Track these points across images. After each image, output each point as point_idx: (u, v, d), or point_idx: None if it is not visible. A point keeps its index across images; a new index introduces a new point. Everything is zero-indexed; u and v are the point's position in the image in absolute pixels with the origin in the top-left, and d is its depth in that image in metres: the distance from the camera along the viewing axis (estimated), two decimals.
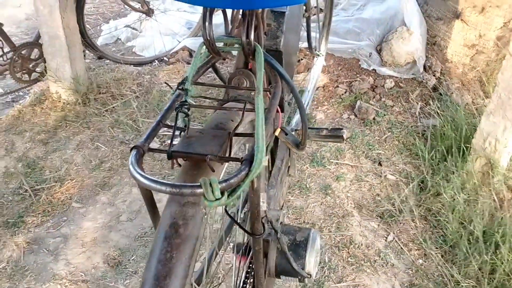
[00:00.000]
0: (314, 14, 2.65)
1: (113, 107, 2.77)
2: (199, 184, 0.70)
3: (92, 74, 3.03)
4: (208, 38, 0.93)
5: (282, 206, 1.72)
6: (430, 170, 2.26)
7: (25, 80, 2.80)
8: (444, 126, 2.41)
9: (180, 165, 0.86)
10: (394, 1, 3.19)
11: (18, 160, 2.44)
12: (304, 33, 2.08)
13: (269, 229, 1.13)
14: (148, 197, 0.86)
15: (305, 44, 2.18)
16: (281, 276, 1.17)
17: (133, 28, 3.76)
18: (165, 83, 2.91)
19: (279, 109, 1.16)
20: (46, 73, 2.82)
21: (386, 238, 2.02)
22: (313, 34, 2.22)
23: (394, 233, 2.03)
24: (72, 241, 2.02)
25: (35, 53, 2.81)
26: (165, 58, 3.38)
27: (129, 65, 3.26)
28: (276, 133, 1.17)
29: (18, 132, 2.64)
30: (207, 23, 0.92)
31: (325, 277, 1.84)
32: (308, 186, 2.23)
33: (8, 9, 4.34)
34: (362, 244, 1.98)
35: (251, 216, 0.88)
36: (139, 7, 3.34)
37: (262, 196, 1.13)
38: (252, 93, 1.12)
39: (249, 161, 0.76)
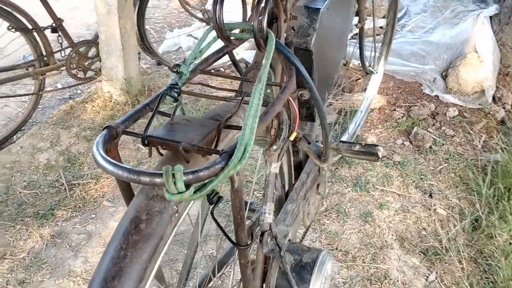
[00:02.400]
0: (378, 34, 2.51)
1: None
2: (161, 172, 0.60)
3: (147, 78, 3.03)
4: (218, 23, 0.84)
5: (309, 226, 1.58)
6: (486, 209, 2.03)
7: (80, 77, 2.84)
8: (509, 163, 2.17)
9: (161, 154, 0.76)
10: (467, 26, 2.97)
11: (60, 154, 2.45)
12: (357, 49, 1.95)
13: (273, 245, 1.00)
14: (124, 186, 0.77)
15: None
16: None
17: (195, 37, 3.76)
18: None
19: (296, 111, 1.04)
20: (101, 72, 2.84)
21: (427, 277, 1.81)
22: (368, 53, 2.08)
23: (437, 272, 1.82)
24: (95, 240, 1.97)
25: (92, 51, 2.85)
26: (221, 69, 3.34)
27: None
28: (291, 138, 1.04)
29: (65, 127, 2.67)
30: (217, 6, 0.83)
31: None
32: (347, 211, 2.07)
33: (81, 12, 4.50)
34: (398, 281, 1.78)
35: (233, 222, 0.76)
36: (201, 17, 3.34)
37: (268, 206, 1.01)
38: (268, 90, 1.01)
39: (229, 154, 0.64)
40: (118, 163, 0.63)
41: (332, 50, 1.39)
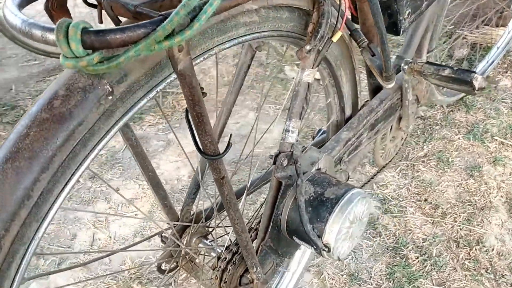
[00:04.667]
0: None
1: None
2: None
3: None
4: None
5: (383, 167, 1.34)
6: None
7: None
8: None
9: (119, 21, 0.60)
10: None
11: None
12: None
13: (292, 171, 0.81)
14: None
15: None
16: (294, 238, 0.85)
17: None
18: None
19: (347, 2, 0.80)
20: None
21: None
22: None
23: None
24: (171, 148, 1.92)
25: None
26: None
27: None
28: (334, 38, 0.81)
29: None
30: None
31: (422, 272, 1.42)
32: (450, 160, 1.75)
33: None
34: (493, 249, 1.47)
35: (192, 122, 0.58)
36: None
37: (293, 123, 0.81)
38: None
39: (164, 17, 0.46)
40: (19, 12, 0.48)
41: None
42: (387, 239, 1.52)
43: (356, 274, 1.43)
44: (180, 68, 0.52)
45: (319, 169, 0.87)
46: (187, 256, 0.91)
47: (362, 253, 1.48)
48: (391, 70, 0.93)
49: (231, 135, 0.68)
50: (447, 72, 1.02)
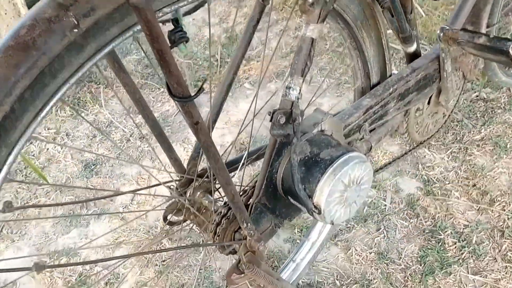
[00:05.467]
0: None
1: None
2: None
3: None
4: None
5: (423, 142, 1.27)
6: None
7: None
8: None
9: None
10: None
11: (224, 31, 2.44)
12: None
13: (290, 129, 0.79)
14: None
15: None
16: (288, 197, 0.83)
17: None
18: None
19: None
20: None
21: None
22: None
23: None
24: (220, 117, 1.94)
25: None
26: None
27: None
28: None
29: (239, 6, 2.63)
30: None
31: (458, 258, 1.34)
32: (508, 146, 1.62)
33: None
34: None
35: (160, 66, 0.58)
36: None
37: (295, 79, 0.79)
38: None
39: None
40: None
41: None
42: (425, 222, 1.44)
43: (385, 253, 1.38)
44: None
45: (321, 131, 0.84)
46: (191, 209, 0.93)
47: (396, 233, 1.42)
48: (408, 31, 0.87)
49: (205, 79, 0.67)
50: (482, 40, 0.94)
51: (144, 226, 1.52)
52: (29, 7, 1.82)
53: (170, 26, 0.66)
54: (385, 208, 1.49)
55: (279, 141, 0.80)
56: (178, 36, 0.66)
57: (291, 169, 0.76)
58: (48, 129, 1.91)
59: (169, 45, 0.65)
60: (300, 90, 0.80)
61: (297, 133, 0.77)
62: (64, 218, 1.58)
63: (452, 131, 1.70)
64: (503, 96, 1.80)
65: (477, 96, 1.81)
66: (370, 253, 1.38)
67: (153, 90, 2.10)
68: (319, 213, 0.77)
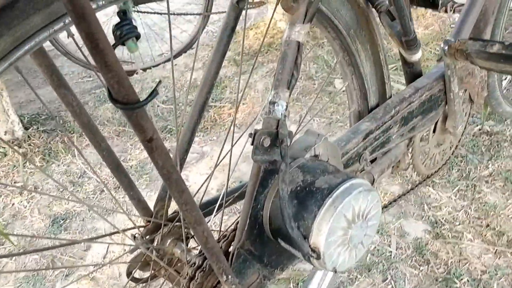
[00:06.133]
0: None
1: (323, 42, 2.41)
2: None
3: None
4: None
5: (430, 176, 1.12)
6: None
7: (249, 1, 2.67)
8: None
9: None
10: None
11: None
12: None
13: (276, 154, 0.63)
14: None
15: None
16: (279, 240, 0.66)
17: None
18: None
19: None
20: None
21: None
22: None
23: None
24: (204, 161, 1.79)
25: None
26: None
27: None
28: None
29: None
30: None
31: None
32: None
33: None
34: None
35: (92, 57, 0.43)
36: None
37: (280, 92, 0.65)
38: None
39: None
40: None
41: None
42: (437, 269, 1.27)
43: None
44: None
45: (315, 156, 0.69)
46: (159, 262, 0.76)
47: (405, 284, 1.24)
48: (412, 33, 0.73)
49: (159, 81, 0.52)
50: (496, 48, 0.81)
51: (118, 287, 1.33)
52: None
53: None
54: (390, 255, 1.31)
55: (264, 168, 0.64)
56: (126, 30, 0.51)
57: (280, 203, 0.60)
58: (14, 182, 1.74)
59: (114, 42, 0.51)
60: (287, 105, 0.65)
61: (285, 157, 0.61)
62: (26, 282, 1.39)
63: (457, 167, 1.55)
64: (508, 128, 1.67)
65: (480, 129, 1.68)
66: None
67: (131, 137, 1.96)
68: (318, 258, 0.60)
